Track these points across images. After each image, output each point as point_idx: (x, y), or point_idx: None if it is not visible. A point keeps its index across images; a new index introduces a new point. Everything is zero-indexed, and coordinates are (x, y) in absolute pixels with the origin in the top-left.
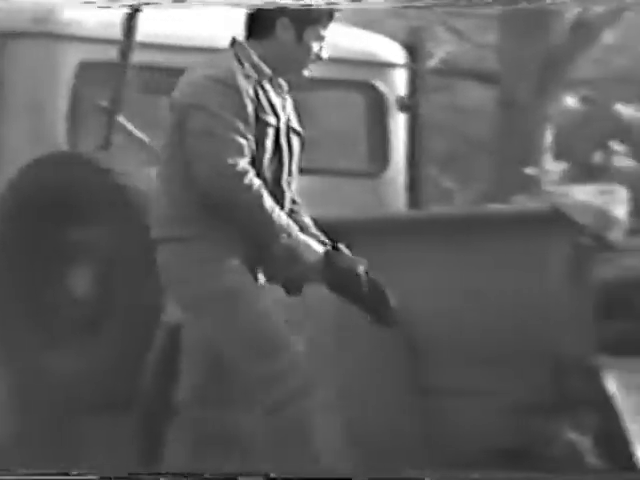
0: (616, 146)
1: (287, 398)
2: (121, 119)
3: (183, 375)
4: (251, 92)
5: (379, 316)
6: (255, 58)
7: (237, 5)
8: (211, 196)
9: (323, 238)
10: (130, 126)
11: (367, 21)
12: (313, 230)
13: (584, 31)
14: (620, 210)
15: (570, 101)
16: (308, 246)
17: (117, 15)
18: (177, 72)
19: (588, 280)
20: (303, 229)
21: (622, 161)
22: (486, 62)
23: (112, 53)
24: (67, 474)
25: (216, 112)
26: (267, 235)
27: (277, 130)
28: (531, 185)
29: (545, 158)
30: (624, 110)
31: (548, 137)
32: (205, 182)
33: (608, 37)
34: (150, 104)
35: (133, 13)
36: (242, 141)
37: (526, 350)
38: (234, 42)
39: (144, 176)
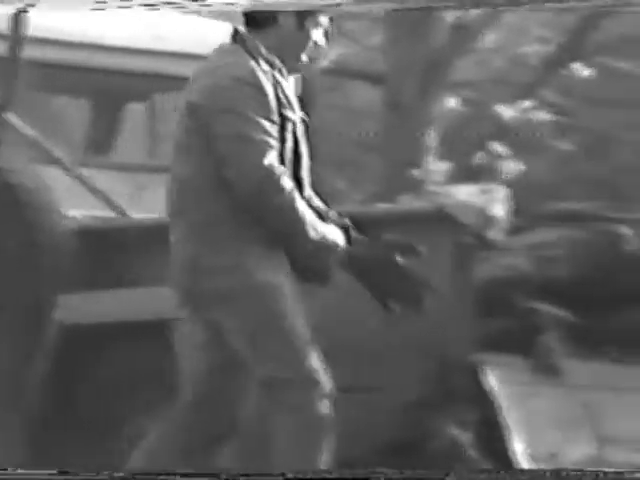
0: (496, 146)
1: (302, 402)
2: (10, 116)
3: (184, 375)
4: (271, 89)
5: (408, 301)
6: (263, 50)
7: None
8: (248, 199)
9: (344, 221)
10: (20, 123)
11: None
12: (332, 215)
13: (463, 33)
14: (500, 209)
15: (452, 102)
16: (333, 236)
17: (6, 11)
18: (71, 69)
19: (469, 278)
20: (322, 216)
21: (505, 162)
22: (374, 64)
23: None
24: (67, 473)
25: (247, 115)
26: (297, 233)
27: (294, 123)
28: (416, 185)
29: (430, 158)
30: (503, 111)
31: (432, 138)
32: (241, 185)
33: (487, 39)
34: (42, 101)
35: (21, 10)
36: (273, 142)
37: (412, 348)
38: (237, 34)
39: (33, 174)
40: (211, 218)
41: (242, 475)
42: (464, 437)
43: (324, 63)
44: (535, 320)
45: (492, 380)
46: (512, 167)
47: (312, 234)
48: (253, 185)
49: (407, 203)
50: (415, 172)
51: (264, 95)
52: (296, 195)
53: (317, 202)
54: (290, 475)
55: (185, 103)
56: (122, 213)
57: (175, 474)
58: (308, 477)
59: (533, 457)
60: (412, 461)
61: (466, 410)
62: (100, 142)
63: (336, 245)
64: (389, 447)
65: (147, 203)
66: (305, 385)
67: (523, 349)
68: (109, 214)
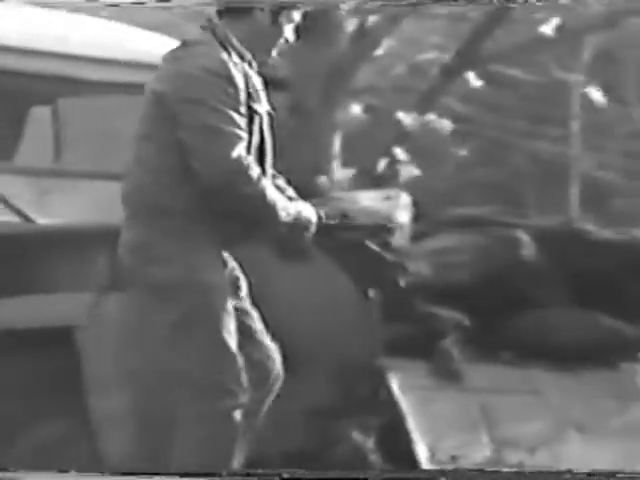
0: (398, 153)
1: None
2: None
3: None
4: (242, 81)
5: (386, 283)
6: (235, 41)
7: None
8: (215, 190)
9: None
10: None
11: (163, 24)
12: (297, 199)
13: (364, 40)
14: (403, 216)
15: (355, 109)
16: (305, 213)
17: None
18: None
19: (374, 284)
20: (291, 198)
21: (405, 168)
22: (278, 69)
23: None
24: (67, 472)
25: (215, 106)
26: (269, 218)
27: (261, 116)
28: (320, 191)
29: (334, 165)
30: (404, 118)
31: (336, 144)
32: (210, 177)
33: (386, 46)
34: None
35: None
36: (242, 134)
37: (315, 354)
38: (210, 23)
39: None
40: (169, 207)
41: (240, 475)
42: (367, 442)
43: None
44: (436, 325)
45: (395, 385)
46: (413, 173)
47: (284, 216)
48: (222, 177)
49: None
50: (319, 178)
51: (234, 87)
52: (265, 183)
53: (284, 185)
54: (286, 475)
55: (150, 91)
56: (26, 219)
57: (174, 474)
58: (304, 477)
59: (435, 460)
60: (316, 466)
61: (370, 415)
62: (3, 146)
63: (309, 221)
64: (295, 453)
65: (52, 208)
66: (220, 394)
67: (425, 354)
68: (13, 219)
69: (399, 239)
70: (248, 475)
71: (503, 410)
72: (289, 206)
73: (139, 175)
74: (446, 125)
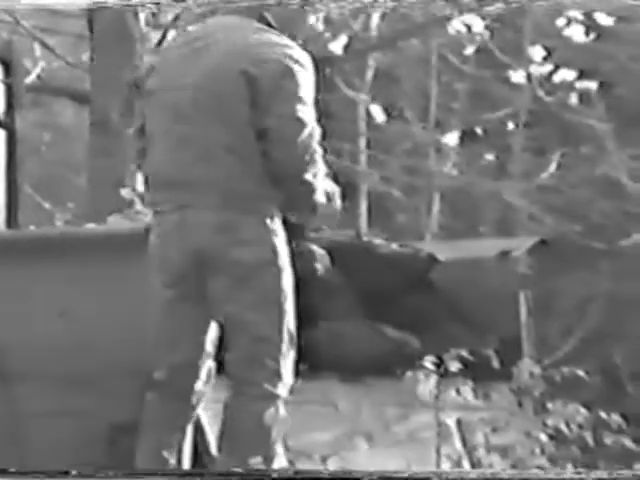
0: None
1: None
2: None
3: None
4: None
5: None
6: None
7: None
8: (286, 177)
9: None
10: None
11: None
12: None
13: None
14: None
15: None
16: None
17: None
18: None
19: None
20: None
21: None
22: (80, 82)
23: None
24: (67, 473)
25: (303, 98)
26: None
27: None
28: (125, 206)
29: (139, 179)
30: None
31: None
32: (289, 166)
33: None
34: None
35: None
36: (316, 126)
37: (120, 371)
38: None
39: None
40: (252, 192)
41: (228, 475)
42: (172, 456)
43: (30, 78)
44: None
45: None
46: None
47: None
48: (297, 165)
49: (116, 223)
50: (123, 192)
51: (311, 79)
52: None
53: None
54: (275, 475)
55: (239, 71)
56: None
57: (173, 474)
58: (294, 477)
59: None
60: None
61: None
62: None
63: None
64: (99, 467)
65: None
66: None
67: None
68: None
69: None
70: (235, 475)
71: (297, 421)
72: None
73: (224, 160)
74: None
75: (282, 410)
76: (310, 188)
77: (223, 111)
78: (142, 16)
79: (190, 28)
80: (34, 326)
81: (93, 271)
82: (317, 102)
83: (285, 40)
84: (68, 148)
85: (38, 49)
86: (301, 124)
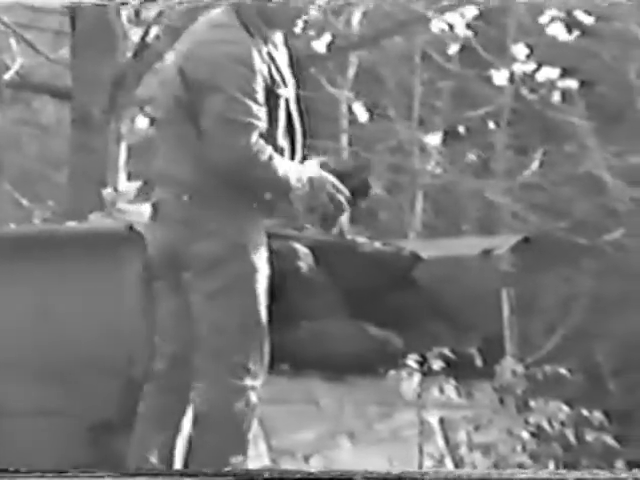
0: None
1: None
2: None
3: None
4: (265, 68)
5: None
6: (258, 20)
7: None
8: (227, 175)
9: None
10: None
11: None
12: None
13: (147, 52)
14: None
15: (141, 120)
16: (317, 173)
17: None
18: None
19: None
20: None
21: None
22: (60, 78)
23: None
24: (66, 472)
25: (234, 96)
26: (285, 191)
27: (287, 99)
28: (106, 203)
29: (120, 176)
30: None
31: (122, 156)
32: (222, 165)
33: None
34: None
35: None
36: (257, 122)
37: (98, 369)
38: (235, 3)
39: None
40: (210, 186)
41: (219, 475)
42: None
43: (9, 74)
44: None
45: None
46: None
47: (298, 185)
48: (231, 164)
49: (97, 221)
50: (105, 190)
51: (255, 76)
52: (277, 162)
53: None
54: (267, 475)
55: (177, 68)
56: None
57: (173, 474)
58: (285, 477)
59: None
60: None
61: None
62: None
63: (323, 183)
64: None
65: None
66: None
67: None
68: None
69: None
70: (226, 475)
71: (280, 420)
72: (303, 174)
73: (172, 156)
74: None
75: (253, 400)
76: (264, 182)
77: (175, 107)
78: (124, 13)
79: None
80: (13, 324)
81: (73, 269)
82: (274, 95)
83: (240, 37)
84: (48, 145)
85: (17, 45)
86: (228, 123)
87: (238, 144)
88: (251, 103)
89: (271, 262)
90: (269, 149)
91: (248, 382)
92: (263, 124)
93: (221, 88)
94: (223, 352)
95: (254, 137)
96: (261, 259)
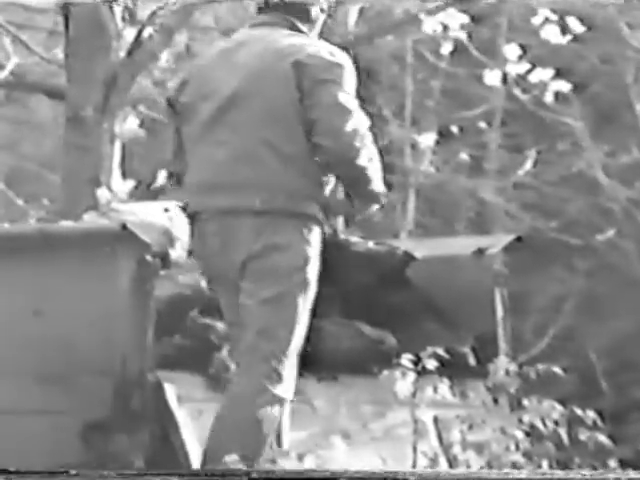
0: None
1: None
2: None
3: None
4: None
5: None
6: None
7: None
8: (337, 162)
9: None
10: None
11: None
12: None
13: (141, 52)
14: (181, 228)
15: (134, 120)
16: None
17: None
18: None
19: (150, 297)
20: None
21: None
22: (54, 77)
23: None
24: (67, 472)
25: (345, 88)
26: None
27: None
28: (100, 203)
29: (114, 176)
30: None
31: (116, 155)
32: (345, 155)
33: (162, 58)
34: None
35: None
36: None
37: (91, 368)
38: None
39: None
40: (297, 192)
41: (209, 475)
42: (139, 457)
43: (3, 74)
44: (212, 337)
45: (170, 398)
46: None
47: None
48: (346, 155)
49: (91, 220)
50: (99, 189)
51: (351, 73)
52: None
53: None
54: (255, 475)
55: (290, 64)
56: None
57: (172, 474)
58: (272, 477)
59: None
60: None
61: (144, 428)
62: None
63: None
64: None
65: None
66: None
67: (200, 366)
68: None
69: (178, 252)
70: (213, 475)
71: None
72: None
73: (267, 160)
74: None
75: (276, 411)
76: (366, 174)
77: (270, 110)
78: (118, 12)
79: (219, 43)
80: (8, 324)
81: (68, 269)
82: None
83: (319, 40)
84: (43, 144)
85: (11, 44)
86: (346, 109)
87: (353, 130)
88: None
89: None
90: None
91: (279, 391)
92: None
93: (335, 81)
94: (265, 356)
95: (364, 127)
96: (316, 270)
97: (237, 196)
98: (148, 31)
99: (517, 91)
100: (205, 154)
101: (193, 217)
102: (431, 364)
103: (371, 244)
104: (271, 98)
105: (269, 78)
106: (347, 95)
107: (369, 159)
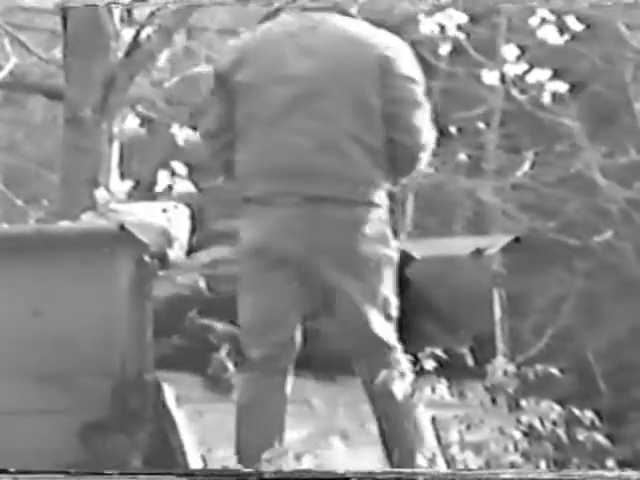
0: (174, 166)
1: None
2: None
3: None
4: None
5: None
6: None
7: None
8: (415, 158)
9: None
10: None
11: None
12: None
13: (139, 52)
14: (180, 228)
15: (132, 120)
16: None
17: None
18: None
19: (149, 297)
20: None
21: (181, 182)
22: (53, 78)
23: None
24: (67, 473)
25: (422, 84)
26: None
27: None
28: (99, 203)
29: (112, 176)
30: (178, 132)
31: (114, 156)
32: (418, 152)
33: (161, 58)
34: None
35: None
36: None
37: (90, 368)
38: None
39: None
40: (366, 179)
41: (216, 475)
42: (136, 457)
43: (2, 75)
44: (210, 337)
45: (169, 398)
46: (188, 187)
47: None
48: (423, 152)
49: (89, 221)
50: (97, 190)
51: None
52: None
53: None
54: (267, 475)
55: (377, 55)
56: None
57: (172, 474)
58: (284, 477)
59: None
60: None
61: (143, 429)
62: None
63: None
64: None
65: None
66: None
67: (199, 366)
68: None
69: (177, 252)
70: (225, 476)
71: None
72: None
73: (351, 150)
74: None
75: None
76: (420, 166)
77: (354, 102)
78: (116, 13)
79: (265, 25)
80: (7, 324)
81: (67, 269)
82: None
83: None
84: (42, 145)
85: (10, 45)
86: (424, 107)
87: (426, 128)
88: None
89: None
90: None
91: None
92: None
93: (415, 79)
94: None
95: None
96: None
97: (321, 184)
98: (147, 31)
99: (515, 92)
100: (282, 140)
101: (261, 201)
102: (429, 364)
103: None
104: (356, 89)
105: (354, 69)
106: (421, 88)
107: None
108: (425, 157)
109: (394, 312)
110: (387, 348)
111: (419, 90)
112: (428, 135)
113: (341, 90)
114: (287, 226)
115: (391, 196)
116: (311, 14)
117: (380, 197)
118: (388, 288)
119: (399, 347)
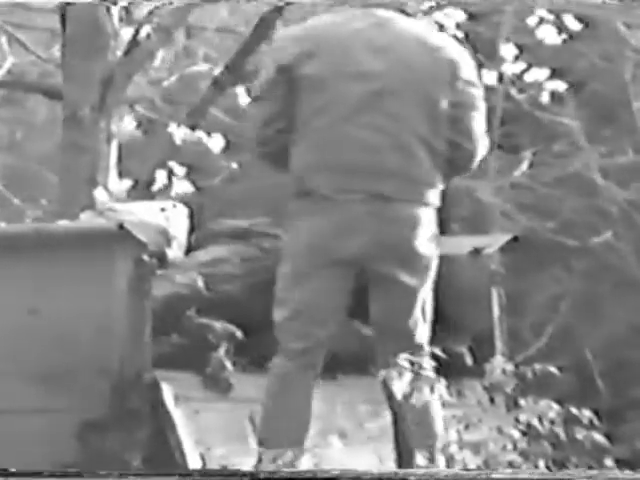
0: (172, 165)
1: None
2: None
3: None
4: None
5: None
6: None
7: None
8: (470, 165)
9: None
10: None
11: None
12: None
13: (138, 51)
14: (178, 228)
15: (131, 120)
16: None
17: None
18: None
19: (147, 296)
20: None
21: (179, 181)
22: (52, 77)
23: None
24: (66, 474)
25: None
26: None
27: None
28: (97, 202)
29: (111, 175)
30: (176, 131)
31: (113, 155)
32: (476, 156)
33: (159, 57)
34: None
35: None
36: None
37: (89, 367)
38: None
39: None
40: (429, 180)
41: (212, 475)
42: (134, 455)
43: (0, 74)
44: (208, 336)
45: (167, 397)
46: (186, 186)
47: None
48: (481, 149)
49: (88, 220)
50: (96, 189)
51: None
52: None
53: None
54: (262, 475)
55: (444, 57)
56: None
57: (172, 474)
58: (279, 477)
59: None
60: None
61: (141, 428)
62: None
63: None
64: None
65: None
66: None
67: (197, 365)
68: None
69: (175, 251)
70: (212, 475)
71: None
72: None
73: (417, 151)
74: (217, 138)
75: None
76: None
77: (425, 104)
78: (115, 11)
79: (327, 18)
80: (4, 323)
81: (65, 268)
82: None
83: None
84: (40, 144)
85: (8, 44)
86: (483, 112)
87: (483, 132)
88: None
89: (259, 261)
90: None
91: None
92: None
93: (477, 84)
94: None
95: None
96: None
97: (388, 183)
98: (145, 30)
99: (513, 91)
100: (353, 136)
101: (323, 195)
102: (428, 363)
103: None
104: (426, 91)
105: (424, 71)
106: (480, 92)
107: None
108: (479, 160)
109: (430, 314)
110: (419, 349)
111: (480, 95)
112: (485, 139)
113: (412, 90)
114: (351, 222)
115: None
116: (373, 11)
117: (435, 197)
118: (430, 289)
119: (427, 350)
